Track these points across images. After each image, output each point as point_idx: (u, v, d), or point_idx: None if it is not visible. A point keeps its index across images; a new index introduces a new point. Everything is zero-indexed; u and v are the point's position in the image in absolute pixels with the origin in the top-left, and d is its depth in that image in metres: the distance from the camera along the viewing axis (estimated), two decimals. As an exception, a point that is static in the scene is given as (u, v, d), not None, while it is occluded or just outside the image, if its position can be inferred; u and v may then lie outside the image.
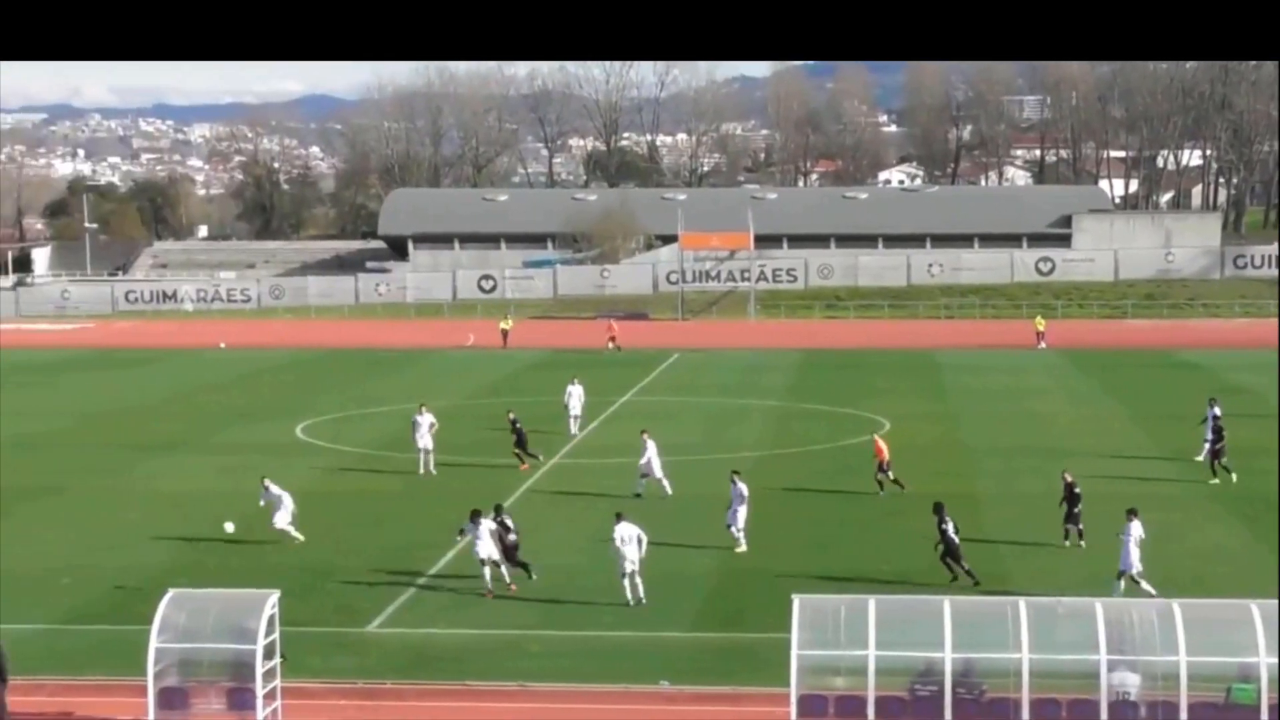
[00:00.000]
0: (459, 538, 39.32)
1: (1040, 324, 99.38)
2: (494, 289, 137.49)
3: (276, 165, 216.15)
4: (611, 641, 32.97)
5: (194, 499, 48.71)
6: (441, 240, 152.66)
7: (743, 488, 41.52)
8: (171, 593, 27.77)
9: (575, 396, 62.05)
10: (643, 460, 48.43)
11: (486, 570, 37.02)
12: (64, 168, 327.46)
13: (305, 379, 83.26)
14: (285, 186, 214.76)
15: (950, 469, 53.15)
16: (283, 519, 42.22)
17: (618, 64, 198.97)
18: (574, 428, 61.19)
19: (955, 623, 25.71)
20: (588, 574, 37.53)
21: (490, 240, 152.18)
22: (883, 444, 49.44)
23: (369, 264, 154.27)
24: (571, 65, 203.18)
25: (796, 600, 26.41)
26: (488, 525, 37.48)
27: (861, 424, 62.92)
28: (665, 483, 48.21)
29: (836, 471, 51.33)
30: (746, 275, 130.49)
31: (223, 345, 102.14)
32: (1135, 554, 35.62)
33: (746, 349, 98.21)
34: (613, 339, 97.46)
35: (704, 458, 53.23)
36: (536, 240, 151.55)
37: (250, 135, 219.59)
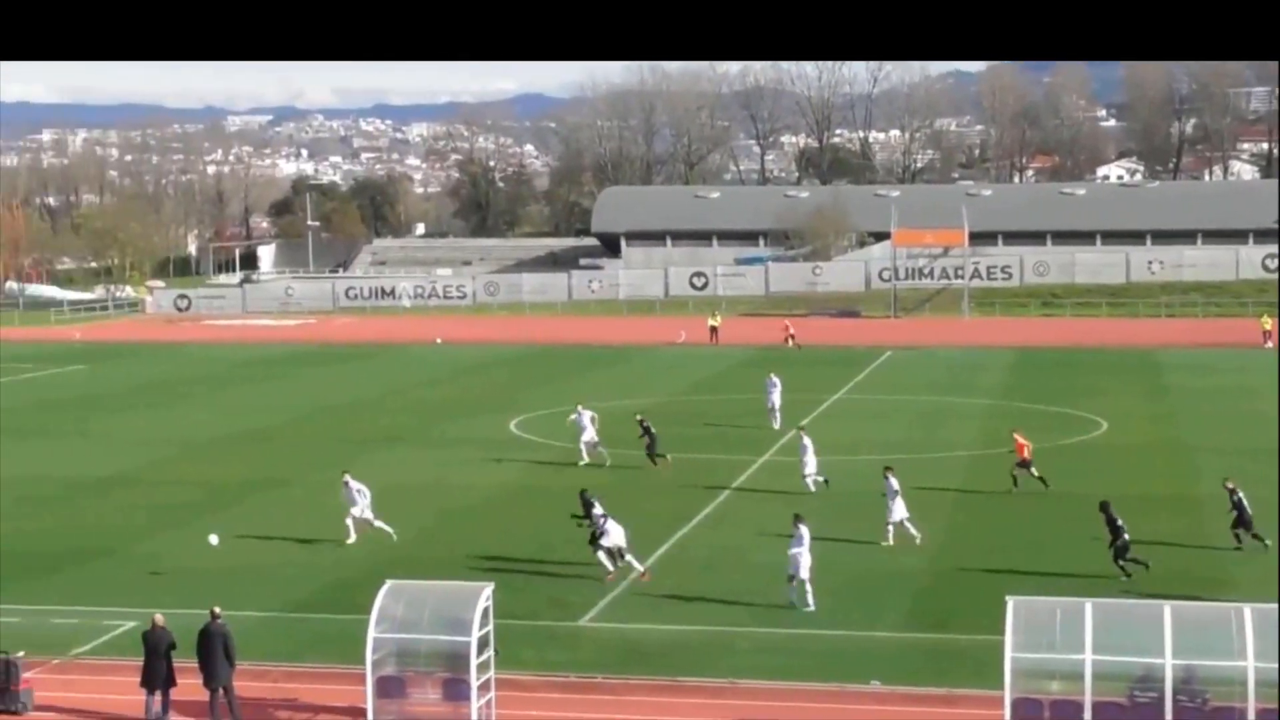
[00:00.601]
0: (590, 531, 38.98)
1: (1267, 323, 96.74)
2: (705, 286, 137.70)
3: (492, 163, 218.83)
4: (821, 640, 32.86)
5: (412, 491, 49.53)
6: (654, 237, 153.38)
7: (894, 483, 41.43)
8: (389, 584, 28.29)
9: (774, 391, 62.06)
10: (805, 457, 48.35)
11: (602, 555, 37.58)
12: (288, 167, 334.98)
13: (519, 374, 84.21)
14: (500, 184, 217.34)
15: (1169, 470, 52.10)
16: (364, 511, 42.14)
17: (830, 61, 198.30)
18: (775, 422, 61.19)
19: (1176, 628, 25.19)
20: (799, 572, 37.43)
21: (702, 237, 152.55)
22: (1023, 441, 48.77)
23: (582, 261, 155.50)
24: (784, 62, 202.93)
25: (1010, 602, 26.11)
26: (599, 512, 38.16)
27: (1078, 423, 61.97)
28: (813, 480, 48.08)
29: (1050, 472, 50.50)
30: (960, 272, 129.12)
31: (439, 341, 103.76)
32: None
33: (960, 347, 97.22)
34: (791, 337, 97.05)
35: (916, 456, 52.83)
36: (748, 237, 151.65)
37: (466, 134, 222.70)
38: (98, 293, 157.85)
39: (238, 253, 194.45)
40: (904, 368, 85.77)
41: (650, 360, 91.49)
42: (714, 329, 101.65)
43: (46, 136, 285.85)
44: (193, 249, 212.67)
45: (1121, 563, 37.24)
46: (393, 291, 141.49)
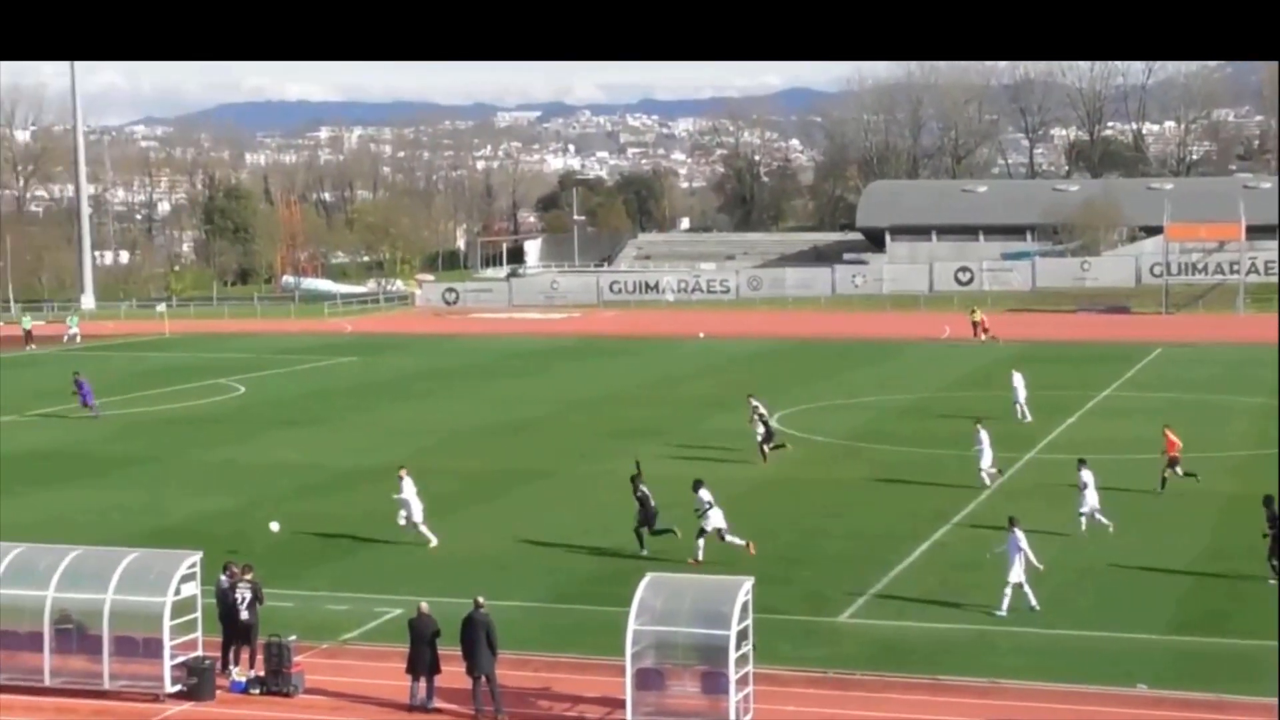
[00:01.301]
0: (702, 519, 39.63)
1: None
2: (971, 281, 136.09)
3: (757, 158, 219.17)
4: (1085, 641, 32.21)
5: (674, 485, 49.78)
6: (919, 232, 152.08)
7: (1086, 475, 41.42)
8: (649, 577, 28.49)
9: (1019, 387, 62.18)
10: (980, 450, 48.68)
11: (701, 541, 38.89)
12: (555, 163, 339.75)
13: (781, 369, 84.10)
14: (765, 179, 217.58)
15: None
16: (417, 514, 41.66)
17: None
18: (1019, 416, 61.23)
19: None
20: (1060, 570, 36.78)
21: (968, 232, 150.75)
22: (1174, 437, 47.72)
23: (846, 255, 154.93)
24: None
25: (1283, 607, 25.36)
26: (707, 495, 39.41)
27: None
28: (989, 473, 48.52)
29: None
30: (1236, 268, 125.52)
31: (702, 335, 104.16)
32: None
33: (1234, 344, 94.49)
34: (985, 330, 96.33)
35: (1186, 455, 51.43)
36: (1015, 232, 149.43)
37: (732, 129, 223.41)
38: (369, 286, 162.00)
39: (505, 247, 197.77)
40: (1175, 365, 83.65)
41: (914, 356, 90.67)
42: (975, 324, 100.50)
43: (324, 134, 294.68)
44: (461, 243, 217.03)
45: (1275, 562, 36.23)
46: (656, 285, 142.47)
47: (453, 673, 28.67)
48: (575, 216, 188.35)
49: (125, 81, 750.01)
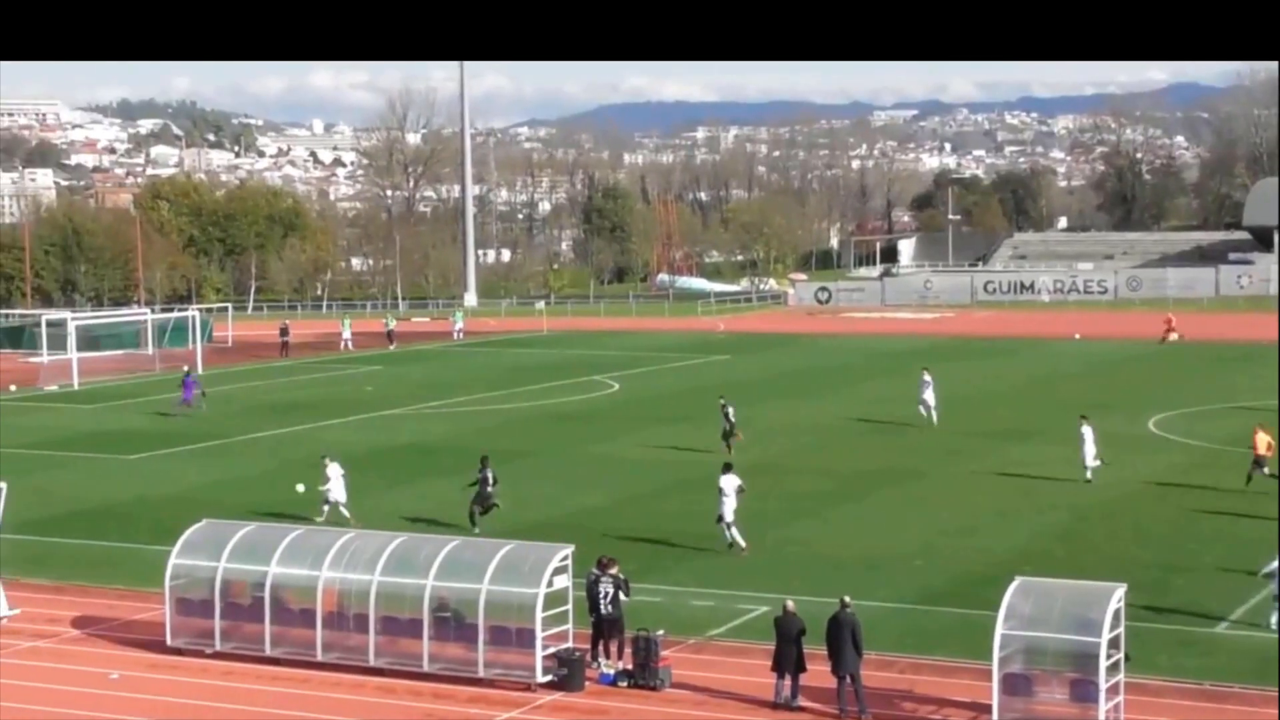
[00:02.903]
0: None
1: None
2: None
3: (1139, 155, 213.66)
4: None
5: (1045, 487, 49.02)
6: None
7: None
8: (1019, 580, 28.09)
9: None
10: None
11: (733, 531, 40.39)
12: (931, 161, 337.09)
13: (1160, 371, 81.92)
14: (1147, 177, 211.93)
15: None
16: (336, 493, 44.25)
17: None
18: None
19: None
20: None
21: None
22: (1263, 436, 47.40)
23: (1231, 256, 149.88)
24: None
25: None
26: (732, 482, 40.52)
27: None
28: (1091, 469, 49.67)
29: None
30: None
31: (1077, 336, 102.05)
32: None
33: None
34: (1171, 329, 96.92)
35: None
36: None
37: (1113, 126, 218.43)
38: (743, 285, 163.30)
39: (878, 246, 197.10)
40: None
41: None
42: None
43: (700, 134, 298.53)
44: (835, 242, 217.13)
45: None
46: (1031, 286, 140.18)
47: (818, 671, 28.71)
48: (950, 216, 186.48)
49: (509, 84, 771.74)
